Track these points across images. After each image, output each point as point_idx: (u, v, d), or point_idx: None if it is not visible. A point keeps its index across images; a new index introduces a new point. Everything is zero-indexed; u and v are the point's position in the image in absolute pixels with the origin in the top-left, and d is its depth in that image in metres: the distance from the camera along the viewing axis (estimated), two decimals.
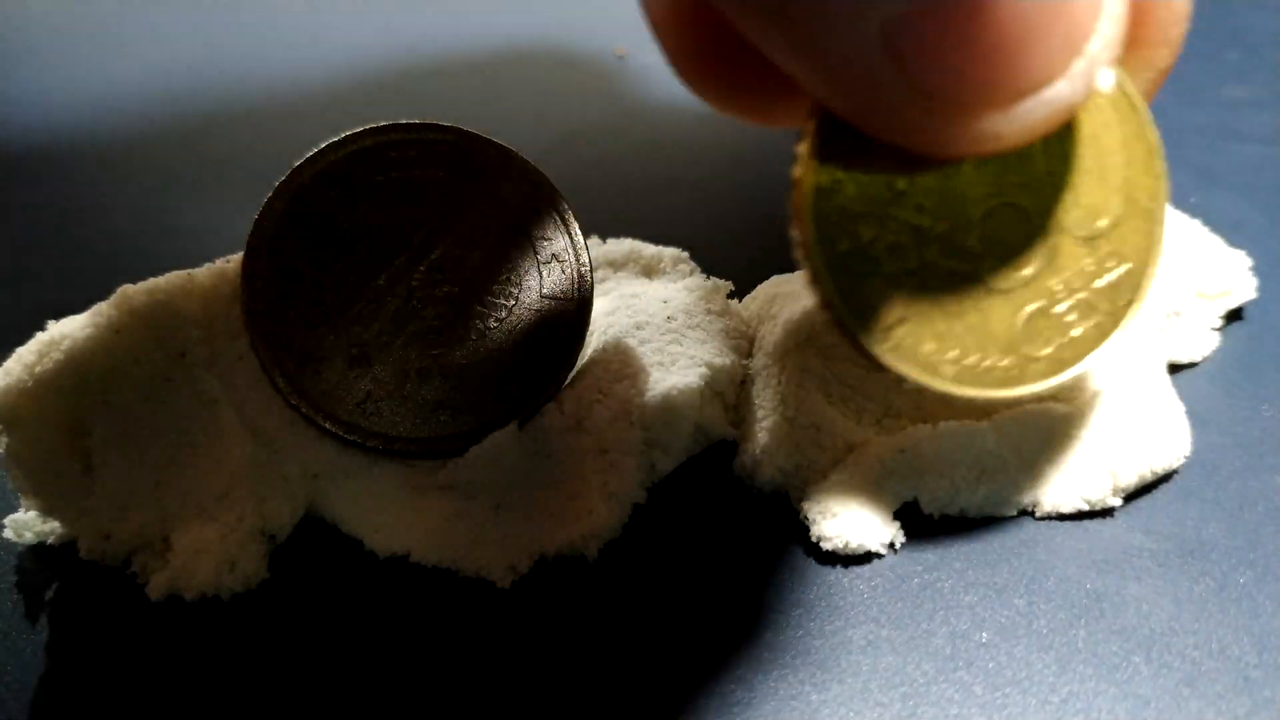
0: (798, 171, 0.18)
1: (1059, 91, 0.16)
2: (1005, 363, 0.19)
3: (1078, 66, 0.16)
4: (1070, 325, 0.19)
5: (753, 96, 0.20)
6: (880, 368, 0.19)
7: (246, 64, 0.47)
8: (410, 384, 0.21)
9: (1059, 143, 0.19)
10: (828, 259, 0.18)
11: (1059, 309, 0.19)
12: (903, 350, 0.19)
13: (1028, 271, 0.19)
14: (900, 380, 0.19)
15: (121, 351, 0.20)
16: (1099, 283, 0.19)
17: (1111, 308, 0.19)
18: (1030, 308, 0.19)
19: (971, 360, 0.19)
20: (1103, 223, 0.19)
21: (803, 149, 0.18)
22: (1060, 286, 0.19)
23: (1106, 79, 0.17)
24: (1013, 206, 0.19)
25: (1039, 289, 0.19)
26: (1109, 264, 0.19)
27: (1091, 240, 0.19)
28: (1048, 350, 0.19)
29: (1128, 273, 0.19)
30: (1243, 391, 0.24)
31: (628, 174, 0.36)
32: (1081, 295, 0.19)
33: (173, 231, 0.34)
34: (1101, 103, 0.19)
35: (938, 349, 0.19)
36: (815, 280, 0.18)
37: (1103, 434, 0.22)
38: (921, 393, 0.23)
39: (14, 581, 0.21)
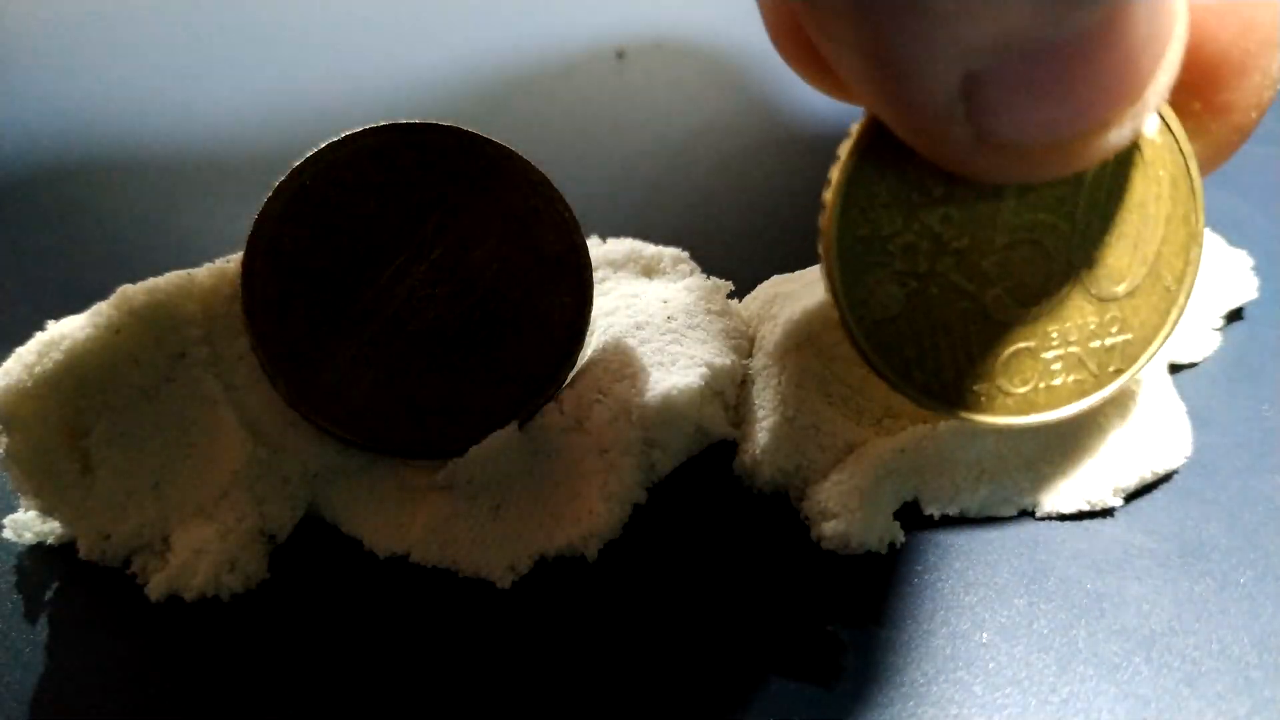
0: (842, 151, 0.18)
1: (1110, 136, 0.16)
2: (977, 387, 0.19)
3: (1132, 113, 0.16)
4: (1053, 374, 0.19)
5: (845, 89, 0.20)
6: (858, 357, 0.19)
7: (247, 64, 0.47)
8: (410, 384, 0.21)
9: (1105, 200, 0.19)
10: (843, 239, 0.18)
11: (1047, 355, 0.19)
12: (885, 348, 0.19)
13: (1031, 310, 0.19)
14: (873, 374, 0.19)
15: (121, 351, 0.20)
16: (1095, 343, 0.19)
17: (1099, 370, 0.20)
18: (1019, 344, 0.19)
19: (946, 376, 0.19)
20: (1120, 288, 0.19)
21: (851, 137, 0.18)
22: (1056, 334, 0.19)
23: (1152, 125, 0.17)
24: (1038, 245, 0.19)
25: (1035, 330, 0.19)
26: (1112, 329, 0.19)
27: (1103, 301, 0.19)
28: (1023, 389, 0.19)
29: (1126, 342, 0.20)
30: (1243, 391, 0.24)
31: (628, 174, 0.36)
32: (1074, 349, 0.19)
33: (173, 231, 0.34)
34: (1162, 176, 0.19)
35: (917, 357, 0.19)
36: (825, 255, 0.18)
37: (1103, 434, 0.22)
38: None
39: (14, 581, 0.21)
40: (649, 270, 0.26)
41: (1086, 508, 0.21)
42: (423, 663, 0.19)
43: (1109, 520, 0.21)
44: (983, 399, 0.19)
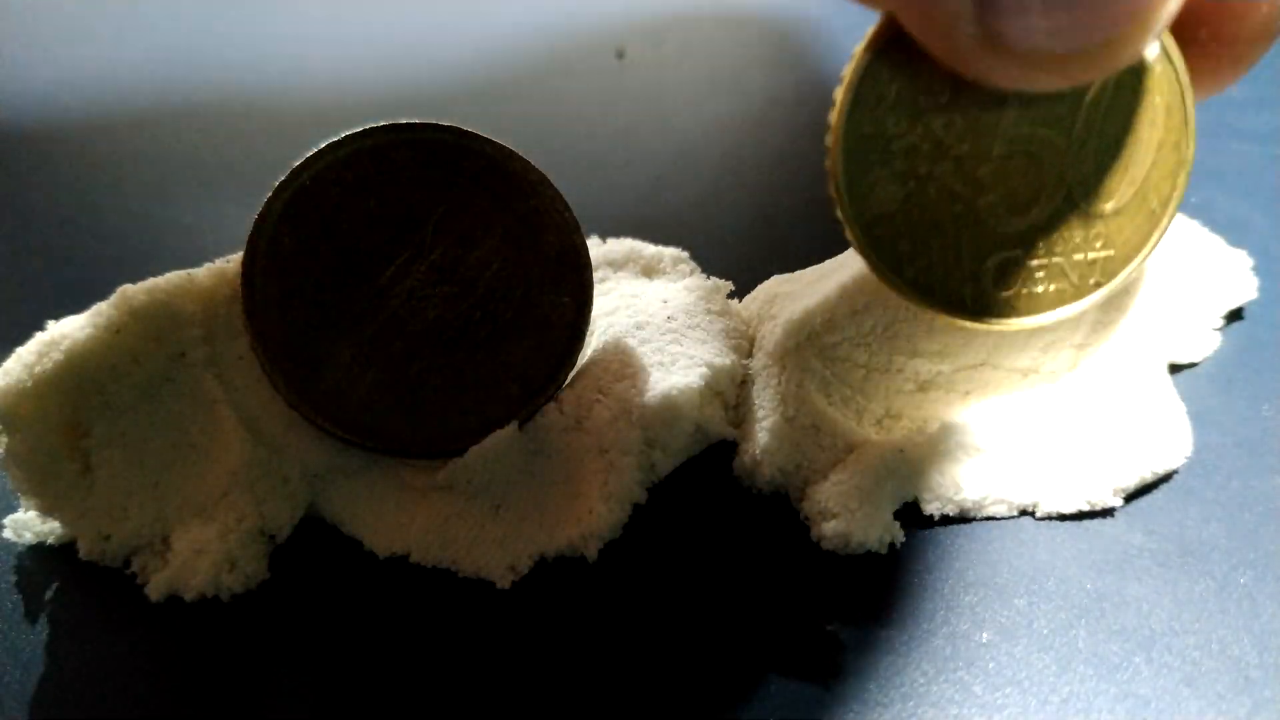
0: (856, 51, 0.19)
1: (1115, 54, 0.16)
2: (963, 288, 0.20)
3: (1139, 33, 0.16)
4: (1036, 280, 0.20)
5: None
6: (857, 249, 0.20)
7: (247, 64, 0.47)
8: (410, 384, 0.21)
9: (1102, 120, 0.19)
10: (849, 136, 0.19)
11: (1032, 263, 0.20)
12: (880, 242, 0.20)
13: (1020, 219, 0.20)
14: (866, 265, 0.20)
15: (121, 351, 0.20)
16: (1078, 256, 0.20)
17: (1080, 282, 0.20)
18: (1007, 251, 0.20)
19: (936, 274, 0.20)
20: (1108, 206, 0.20)
21: (866, 38, 0.18)
22: (1042, 244, 0.20)
23: (1154, 50, 0.18)
24: (1033, 157, 0.19)
25: (1023, 238, 0.20)
26: (1096, 243, 0.20)
27: (1089, 216, 0.20)
28: (1005, 293, 0.20)
29: (1108, 259, 0.20)
30: (1243, 391, 0.24)
31: (628, 174, 0.36)
32: (1058, 259, 0.20)
33: (173, 231, 0.34)
34: (1158, 102, 0.19)
35: (910, 251, 0.20)
36: (831, 150, 0.19)
37: (1103, 434, 0.22)
38: (923, 393, 0.23)
39: (14, 581, 0.21)
40: (649, 270, 0.26)
41: (1086, 508, 0.21)
42: (423, 663, 0.19)
43: (1109, 520, 0.21)
44: (968, 299, 0.20)
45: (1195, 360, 0.25)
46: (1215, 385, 0.24)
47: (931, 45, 0.17)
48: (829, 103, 0.19)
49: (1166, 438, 0.22)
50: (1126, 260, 0.20)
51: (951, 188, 0.19)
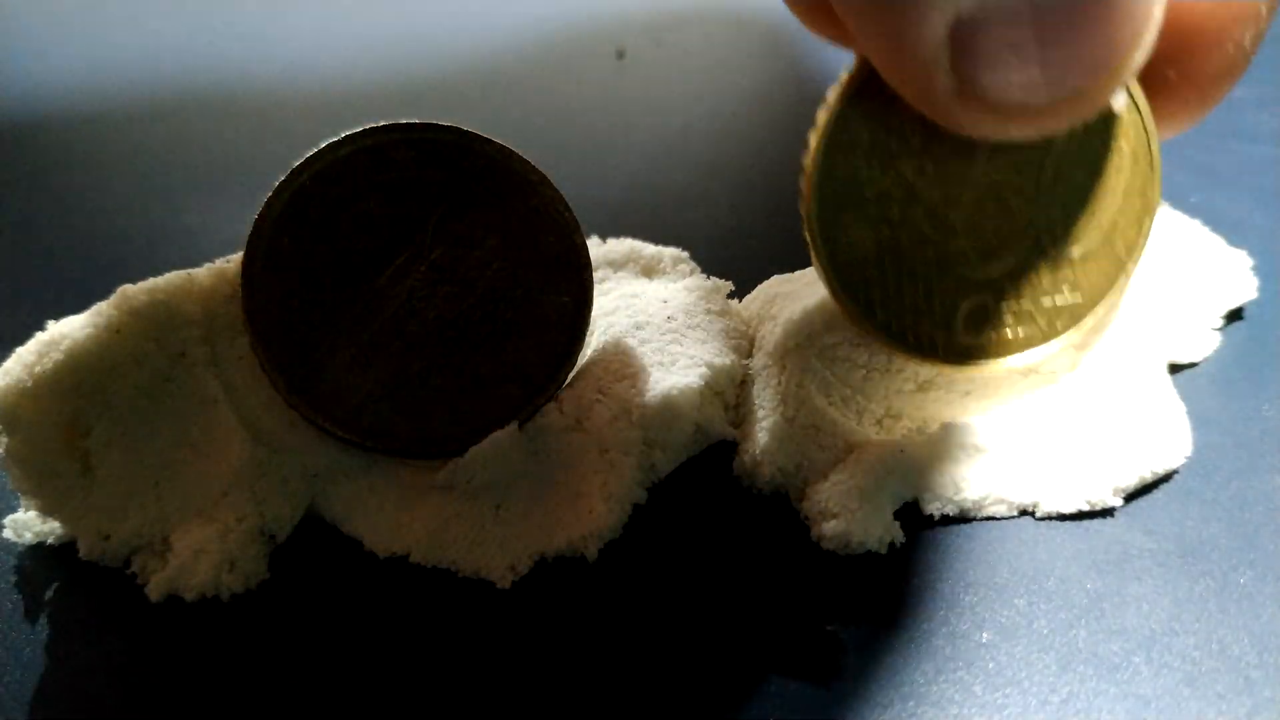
0: (830, 96, 0.19)
1: (1084, 105, 0.17)
2: (934, 332, 0.20)
3: (1107, 85, 0.16)
4: (1006, 325, 0.20)
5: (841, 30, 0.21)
6: (830, 293, 0.20)
7: (247, 64, 0.47)
8: (410, 384, 0.21)
9: (1069, 167, 0.20)
10: (822, 181, 0.19)
11: (1001, 307, 0.20)
12: (852, 286, 0.20)
13: (990, 265, 0.20)
14: (839, 308, 0.20)
15: (121, 351, 0.20)
16: (1046, 301, 0.20)
17: (1048, 328, 0.21)
18: (977, 296, 0.20)
19: (907, 319, 0.20)
20: (1076, 251, 0.20)
21: (840, 83, 0.19)
22: (1011, 289, 0.20)
23: (1120, 100, 0.18)
24: (1003, 203, 0.20)
25: (993, 283, 0.20)
26: (1063, 288, 0.20)
27: (1057, 262, 0.20)
28: (976, 339, 0.20)
29: (1074, 305, 0.21)
30: (1243, 391, 0.24)
31: (628, 174, 0.36)
32: (1027, 305, 0.20)
33: (173, 231, 0.34)
34: (1124, 148, 0.20)
35: (883, 296, 0.20)
36: (805, 195, 0.19)
37: (1103, 434, 0.22)
38: (923, 393, 0.23)
39: (14, 581, 0.21)
40: (649, 270, 0.26)
41: (1086, 508, 0.21)
42: (423, 663, 0.19)
43: (1109, 520, 0.21)
44: (939, 345, 0.20)
45: (1195, 360, 0.25)
46: (1215, 385, 0.24)
47: (905, 91, 0.17)
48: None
49: (1166, 438, 0.22)
50: (1094, 305, 0.21)
51: (924, 233, 0.20)
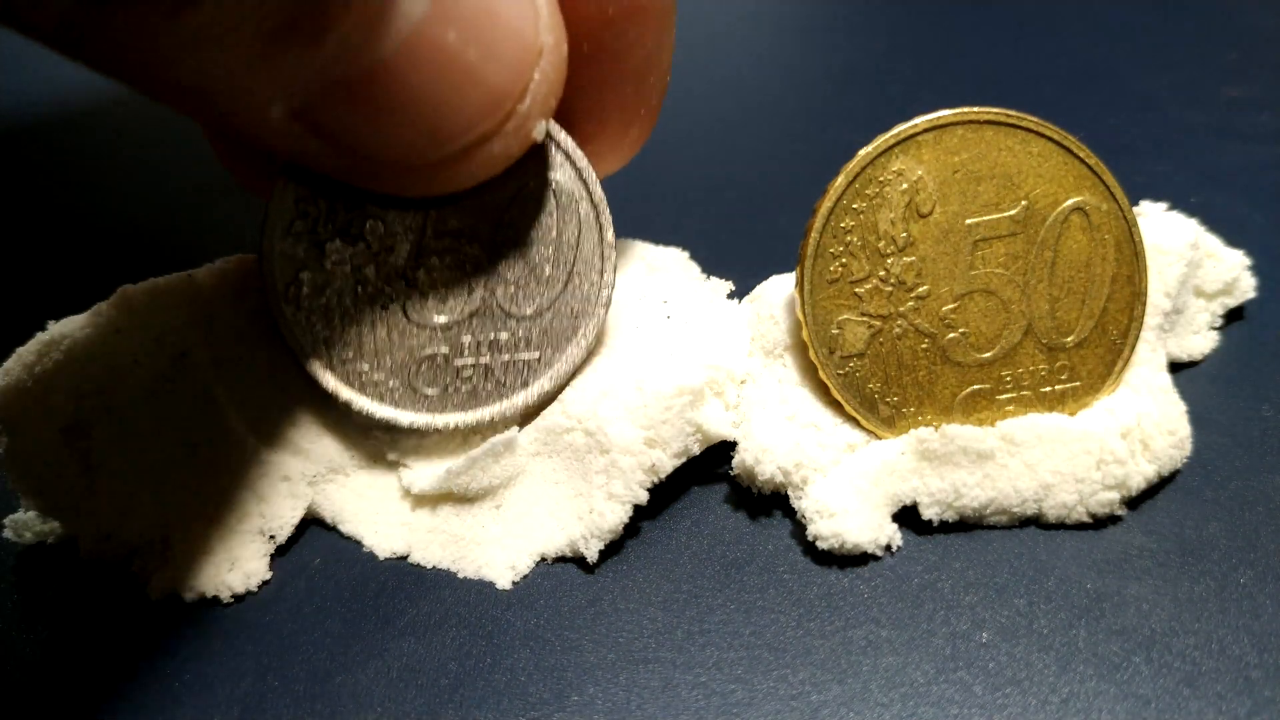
0: (819, 206, 0.20)
1: (493, 147, 0.18)
2: (935, 423, 0.21)
3: (510, 125, 0.17)
4: (1007, 414, 0.22)
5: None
6: (831, 388, 0.21)
7: None
8: (418, 378, 0.21)
9: (1053, 259, 0.21)
10: (815, 279, 0.21)
11: (1001, 396, 0.21)
12: (851, 381, 0.21)
13: (986, 355, 0.21)
14: (840, 403, 0.22)
15: (121, 351, 0.20)
16: (1046, 388, 0.22)
17: (1047, 411, 0.22)
18: (976, 385, 0.21)
19: (908, 410, 0.21)
20: (1069, 340, 0.21)
21: (831, 191, 0.20)
22: (1009, 377, 0.21)
23: (541, 130, 0.19)
24: (993, 296, 0.21)
25: (990, 373, 0.21)
26: (1061, 375, 0.22)
27: (1053, 350, 0.21)
28: (971, 421, 0.22)
29: (1073, 389, 0.22)
30: (1243, 391, 0.24)
31: (629, 173, 0.36)
32: (1026, 392, 0.21)
33: (173, 231, 0.34)
34: (1107, 240, 0.21)
35: (882, 390, 0.21)
36: (799, 295, 0.21)
37: (1102, 434, 0.22)
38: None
39: (14, 581, 0.21)
40: (649, 270, 0.26)
41: (1089, 520, 0.21)
42: (423, 662, 0.19)
43: (1109, 520, 0.21)
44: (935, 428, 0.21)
45: (1195, 360, 0.25)
46: (1215, 385, 0.24)
47: (325, 169, 0.18)
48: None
49: (1166, 438, 0.22)
50: (1092, 390, 0.22)
51: (917, 326, 0.21)
